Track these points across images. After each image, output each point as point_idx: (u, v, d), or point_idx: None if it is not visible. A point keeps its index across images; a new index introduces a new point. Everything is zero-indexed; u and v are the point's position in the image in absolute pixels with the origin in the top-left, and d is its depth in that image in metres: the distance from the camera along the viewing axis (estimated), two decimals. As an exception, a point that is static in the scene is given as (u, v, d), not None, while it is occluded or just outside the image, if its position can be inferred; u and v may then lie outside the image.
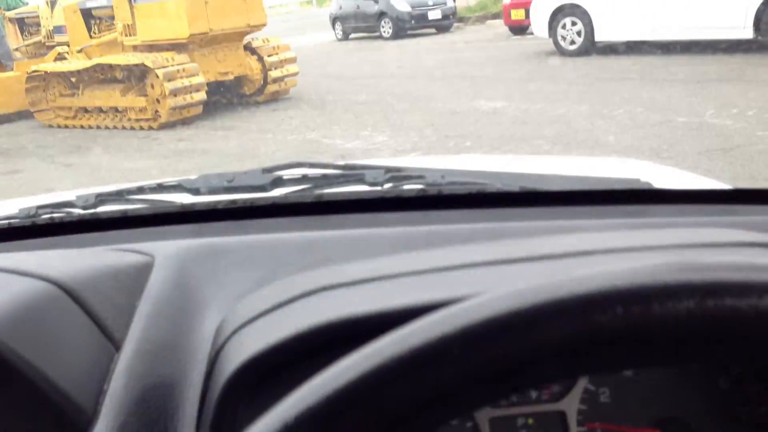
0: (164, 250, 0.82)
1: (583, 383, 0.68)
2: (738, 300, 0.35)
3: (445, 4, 17.00)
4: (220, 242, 0.86)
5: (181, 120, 8.53)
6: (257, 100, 9.51)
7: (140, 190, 1.04)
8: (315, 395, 0.39)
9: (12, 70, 10.03)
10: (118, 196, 1.03)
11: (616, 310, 0.36)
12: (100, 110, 9.00)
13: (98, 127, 8.94)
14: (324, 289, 0.60)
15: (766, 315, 0.35)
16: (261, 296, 0.65)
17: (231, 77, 9.25)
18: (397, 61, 12.33)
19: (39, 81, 9.34)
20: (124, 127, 8.74)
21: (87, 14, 9.56)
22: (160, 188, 1.04)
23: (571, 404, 0.67)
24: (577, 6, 10.48)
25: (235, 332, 0.61)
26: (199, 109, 8.70)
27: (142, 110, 8.61)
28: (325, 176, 1.04)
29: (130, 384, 0.64)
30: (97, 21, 9.61)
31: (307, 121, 8.20)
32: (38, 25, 10.59)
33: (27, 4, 12.67)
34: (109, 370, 0.65)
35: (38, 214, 0.97)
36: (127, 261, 0.79)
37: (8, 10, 11.44)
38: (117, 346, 0.68)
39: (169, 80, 8.25)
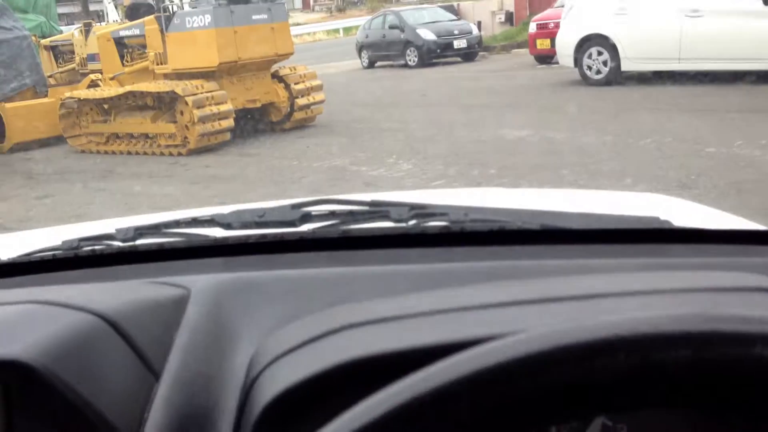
0: (199, 283, 0.86)
1: (600, 419, 0.69)
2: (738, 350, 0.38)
3: (470, 33, 17.15)
4: (251, 277, 0.90)
5: (209, 146, 8.67)
6: (284, 128, 9.64)
7: (176, 224, 1.08)
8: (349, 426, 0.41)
9: (46, 96, 10.29)
10: (155, 229, 1.07)
11: (618, 356, 0.40)
12: (131, 136, 9.19)
13: (129, 153, 9.12)
14: (351, 326, 0.63)
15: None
16: (290, 332, 0.68)
17: (258, 105, 9.40)
18: (422, 90, 12.44)
19: (72, 107, 9.57)
20: (153, 153, 8.90)
21: (120, 43, 9.80)
22: (195, 222, 1.08)
23: None
24: (604, 36, 10.52)
25: (267, 366, 0.64)
26: (227, 136, 8.84)
27: (171, 136, 8.77)
28: (351, 212, 1.07)
29: (169, 413, 0.67)
30: (130, 49, 9.85)
31: (332, 148, 8.28)
32: (72, 52, 10.87)
33: (62, 32, 13.04)
34: (149, 399, 0.69)
35: (80, 246, 1.02)
36: (165, 294, 0.83)
37: (43, 37, 11.77)
38: (156, 376, 0.72)
39: (198, 107, 8.41)
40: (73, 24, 15.05)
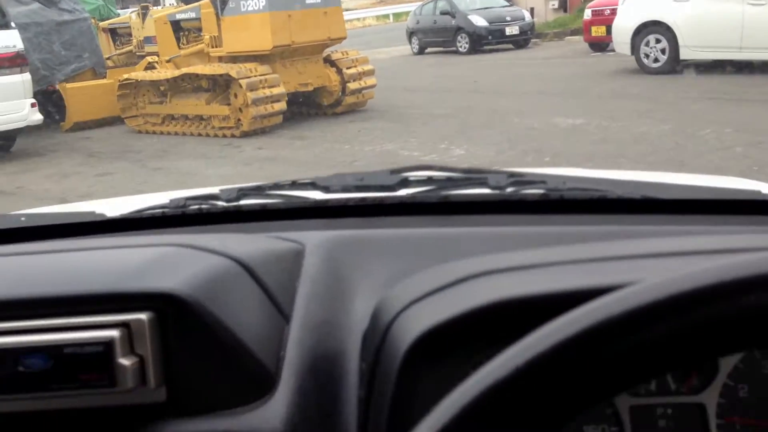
0: (312, 239, 0.89)
1: (722, 379, 0.70)
2: None
3: (523, 19, 16.92)
4: (361, 234, 0.92)
5: (262, 129, 8.77)
6: (335, 112, 9.69)
7: (276, 186, 1.11)
8: (514, 362, 0.43)
9: (105, 77, 10.53)
10: (257, 191, 1.11)
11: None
12: (186, 118, 9.35)
13: (184, 134, 9.29)
14: (490, 272, 0.65)
15: None
16: (422, 279, 0.70)
17: (310, 88, 9.46)
18: (473, 76, 12.34)
19: (130, 89, 9.78)
20: (207, 135, 9.05)
21: (176, 26, 9.96)
22: (295, 185, 1.11)
23: (710, 397, 0.69)
24: (662, 23, 10.27)
25: (404, 309, 0.66)
26: (280, 119, 8.93)
27: (225, 119, 8.90)
28: (449, 179, 1.08)
29: (303, 354, 0.71)
30: (186, 32, 10.01)
31: (383, 132, 8.30)
32: (130, 35, 11.09)
33: (119, 14, 13.30)
34: (282, 340, 0.72)
35: (187, 204, 1.06)
36: (283, 247, 0.86)
37: (102, 20, 12.03)
38: (287, 319, 0.76)
39: (252, 90, 8.51)
40: (129, 7, 15.33)
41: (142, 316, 0.69)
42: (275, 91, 8.72)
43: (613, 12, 11.52)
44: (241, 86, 8.52)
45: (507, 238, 0.90)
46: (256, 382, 0.70)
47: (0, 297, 0.71)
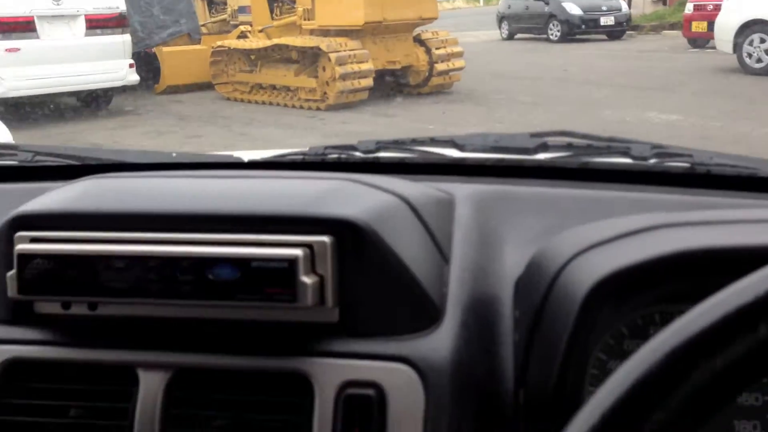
0: (461, 191, 0.90)
1: None
2: None
3: (619, 10, 16.41)
4: (507, 190, 0.93)
5: (347, 104, 8.83)
6: (420, 92, 9.66)
7: (414, 141, 1.12)
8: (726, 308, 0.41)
9: (199, 43, 10.80)
10: (396, 144, 1.12)
11: None
12: (274, 88, 9.50)
13: (270, 104, 9.45)
14: (669, 225, 0.64)
15: None
16: (591, 230, 0.70)
17: (398, 66, 9.46)
18: (563, 65, 12.07)
19: (222, 56, 10.01)
20: (293, 106, 9.18)
21: (270, -3, 10.12)
22: (432, 142, 1.12)
23: None
24: (769, 22, 9.80)
25: (577, 256, 0.66)
26: (365, 95, 8.97)
27: (311, 91, 9.00)
28: (590, 146, 1.07)
29: (464, 293, 0.73)
30: (279, 4, 10.15)
31: (468, 116, 8.23)
32: (224, 3, 11.32)
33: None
34: (443, 278, 0.74)
35: (326, 153, 1.08)
36: (436, 195, 0.87)
37: (199, -12, 12.32)
38: (446, 259, 0.77)
39: (340, 64, 8.57)
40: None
41: (326, 238, 0.71)
42: (363, 66, 8.75)
43: (717, 8, 11.05)
44: (330, 60, 8.59)
45: (654, 204, 0.89)
46: (423, 313, 0.73)
47: (194, 211, 0.75)
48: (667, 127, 7.15)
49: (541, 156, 1.06)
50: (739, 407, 0.69)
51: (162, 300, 0.71)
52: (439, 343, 0.70)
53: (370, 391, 0.69)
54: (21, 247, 0.73)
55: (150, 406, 0.72)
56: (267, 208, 0.75)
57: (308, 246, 0.71)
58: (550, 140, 1.09)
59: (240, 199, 0.78)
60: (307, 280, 0.69)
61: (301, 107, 9.08)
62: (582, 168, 1.03)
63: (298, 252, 0.69)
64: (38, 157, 1.24)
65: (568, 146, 1.08)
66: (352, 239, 0.72)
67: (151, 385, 0.72)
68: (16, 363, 0.76)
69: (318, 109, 8.89)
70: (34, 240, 0.74)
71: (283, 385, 0.72)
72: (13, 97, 8.36)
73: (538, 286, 0.71)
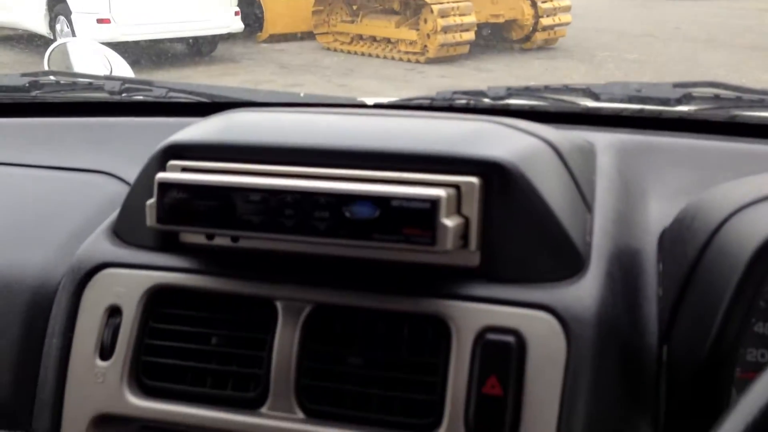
0: (601, 140, 0.87)
1: None
2: None
3: (740, -35, 15.31)
4: (650, 140, 0.89)
5: (447, 57, 8.70)
6: (523, 47, 9.39)
7: (547, 89, 1.09)
8: None
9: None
10: (527, 91, 1.09)
11: None
12: (374, 39, 9.46)
13: (369, 55, 9.42)
14: None
15: None
16: (757, 183, 0.66)
17: (501, 20, 9.21)
18: (677, 22, 11.42)
19: (324, 5, 10.02)
20: (393, 58, 9.12)
21: (375, -55, 9.99)
22: (566, 89, 1.08)
23: None
24: None
25: (740, 210, 0.63)
26: (466, 49, 8.80)
27: (412, 43, 8.90)
28: (740, 98, 1.01)
29: (608, 242, 0.71)
30: (383, -47, 10.03)
31: (572, 73, 7.95)
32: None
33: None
34: (587, 225, 0.72)
35: (453, 98, 1.06)
36: (577, 141, 0.84)
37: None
38: (589, 207, 0.76)
39: (443, 17, 8.43)
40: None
41: (473, 179, 0.70)
42: (466, 19, 8.58)
43: None
44: (432, 12, 8.46)
45: None
46: (567, 261, 0.71)
47: (336, 146, 0.75)
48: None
49: (685, 108, 1.01)
50: (750, 335, 0.66)
51: (297, 237, 0.70)
52: (584, 292, 0.68)
53: (510, 338, 0.67)
54: (161, 176, 0.74)
55: (288, 339, 0.73)
56: (411, 146, 0.73)
57: (455, 186, 0.69)
58: (696, 91, 1.03)
59: (381, 136, 0.77)
60: (448, 222, 0.66)
61: (401, 59, 9.00)
62: (730, 121, 0.97)
63: (441, 192, 0.67)
64: (171, 94, 1.28)
65: (715, 98, 1.02)
66: (500, 181, 0.70)
67: (289, 319, 0.74)
68: (161, 289, 0.78)
69: (417, 62, 8.79)
70: (185, 169, 0.77)
71: (420, 327, 0.72)
72: (123, 42, 8.69)
73: (692, 241, 0.67)
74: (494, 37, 9.50)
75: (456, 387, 0.68)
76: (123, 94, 1.32)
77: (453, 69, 8.42)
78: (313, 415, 0.72)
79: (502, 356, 0.67)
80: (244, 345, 0.75)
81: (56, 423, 0.77)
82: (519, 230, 0.71)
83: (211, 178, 0.73)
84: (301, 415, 0.72)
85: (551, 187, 0.73)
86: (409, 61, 8.89)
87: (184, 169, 0.77)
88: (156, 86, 1.32)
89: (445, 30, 8.46)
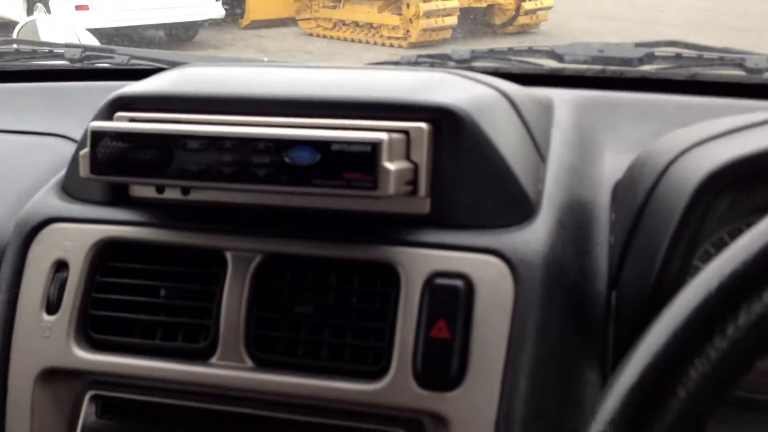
0: (560, 96, 0.87)
1: None
2: None
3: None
4: (609, 95, 0.89)
5: (429, 42, 8.68)
6: (505, 31, 9.39)
7: (511, 51, 1.09)
8: None
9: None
10: (491, 53, 1.09)
11: None
12: (356, 24, 9.42)
13: (352, 41, 9.39)
14: None
15: None
16: (706, 126, 0.66)
17: (484, 4, 9.20)
18: (659, 5, 11.44)
19: (306, -9, 9.97)
20: (375, 43, 9.10)
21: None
22: (530, 51, 1.08)
23: None
24: None
25: (687, 150, 0.62)
26: (448, 33, 8.79)
27: (394, 28, 8.88)
28: (701, 57, 1.01)
29: (560, 191, 0.71)
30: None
31: (555, 57, 7.95)
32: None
33: None
34: (539, 175, 0.72)
35: (419, 61, 1.06)
36: (535, 94, 0.84)
37: None
38: (543, 158, 0.76)
39: (425, 1, 8.41)
40: None
41: (423, 125, 0.69)
42: (448, 4, 8.57)
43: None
44: (414, -4, 8.44)
45: None
46: (519, 206, 0.71)
47: (282, 95, 0.74)
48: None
49: (647, 67, 1.01)
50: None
51: (236, 184, 0.68)
52: (532, 237, 0.68)
53: (458, 282, 0.67)
54: (94, 124, 0.72)
55: (237, 290, 0.73)
56: (359, 94, 0.73)
57: (404, 132, 0.69)
58: (658, 50, 1.03)
59: (330, 85, 0.76)
60: (390, 166, 0.64)
61: (383, 44, 8.98)
62: (691, 80, 0.97)
63: (383, 136, 0.65)
64: (133, 60, 1.26)
65: (677, 57, 1.02)
66: (450, 127, 0.69)
67: (239, 269, 0.73)
68: (109, 243, 0.78)
69: (400, 47, 8.76)
70: (132, 120, 0.75)
71: (370, 274, 0.71)
72: (100, 28, 8.59)
73: (640, 187, 0.67)
74: (477, 22, 9.48)
75: (404, 332, 0.68)
76: (84, 62, 1.30)
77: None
78: (263, 364, 0.72)
79: (450, 300, 0.67)
80: (193, 297, 0.75)
81: (2, 378, 0.76)
82: (469, 176, 0.70)
83: (145, 127, 0.71)
84: (250, 363, 0.72)
85: (503, 134, 0.72)
86: (391, 46, 8.86)
87: (132, 120, 0.76)
88: (118, 53, 1.30)
89: (428, 15, 8.44)
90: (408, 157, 0.69)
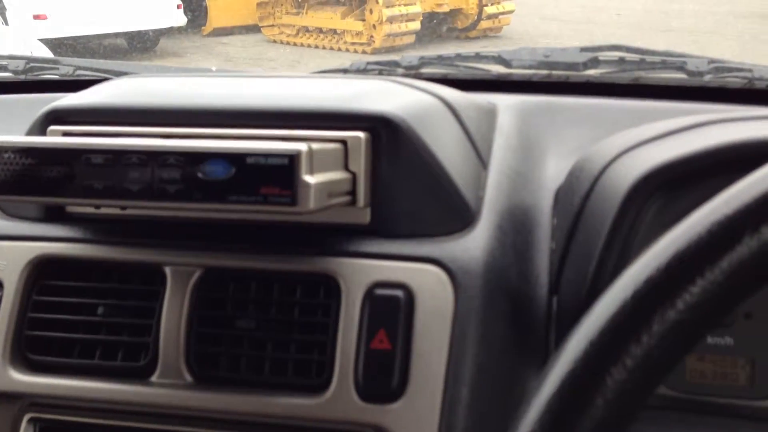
0: (504, 101, 0.87)
1: None
2: None
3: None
4: (552, 101, 0.89)
5: (393, 47, 8.69)
6: (468, 36, 9.44)
7: (459, 56, 1.09)
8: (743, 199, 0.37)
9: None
10: (440, 59, 1.09)
11: None
12: (320, 31, 9.40)
13: (316, 47, 9.37)
14: (712, 122, 0.60)
15: None
16: (635, 133, 0.67)
17: (446, 9, 9.25)
18: (617, 9, 11.63)
19: (269, -3, 9.93)
20: (339, 49, 9.09)
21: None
22: (478, 57, 1.08)
23: None
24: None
25: (621, 155, 0.63)
26: (412, 39, 8.81)
27: (358, 34, 8.88)
28: (643, 60, 1.02)
29: (501, 197, 0.71)
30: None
31: (517, 60, 8.03)
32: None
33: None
34: (480, 182, 0.71)
35: (368, 68, 1.06)
36: (479, 102, 0.84)
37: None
38: (484, 164, 0.76)
39: (388, 6, 8.43)
40: None
41: (360, 134, 0.68)
42: (411, 9, 8.59)
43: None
44: (377, 2, 8.45)
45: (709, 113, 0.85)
46: (458, 214, 0.70)
47: (205, 106, 0.73)
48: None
49: (591, 71, 1.02)
50: None
51: (144, 202, 0.63)
52: (472, 244, 0.68)
53: (399, 292, 0.67)
54: None
55: (177, 305, 0.71)
56: (296, 103, 0.72)
57: (342, 142, 0.68)
58: (602, 55, 1.04)
59: (270, 95, 0.75)
60: (309, 179, 0.60)
61: (347, 50, 8.97)
62: (634, 84, 0.98)
63: (301, 147, 0.61)
64: (79, 72, 1.24)
65: (620, 61, 1.03)
66: (388, 136, 0.69)
67: (178, 284, 0.72)
68: (45, 260, 0.76)
69: (364, 52, 8.76)
70: (66, 134, 0.74)
71: (312, 285, 0.70)
72: (59, 38, 8.45)
73: (578, 192, 0.68)
74: (440, 27, 9.54)
75: (345, 344, 0.67)
76: (28, 74, 1.27)
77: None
78: (205, 381, 0.70)
79: (390, 311, 0.66)
80: (132, 314, 0.73)
81: None
82: (408, 185, 0.70)
83: (45, 141, 0.67)
84: (191, 381, 0.70)
85: (442, 141, 0.72)
86: (355, 51, 8.86)
87: (65, 134, 0.74)
88: (63, 64, 1.28)
89: (391, 20, 8.46)
90: (346, 167, 0.69)
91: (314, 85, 0.79)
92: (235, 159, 0.61)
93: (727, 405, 0.67)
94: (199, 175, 0.61)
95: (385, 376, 0.65)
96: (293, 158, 0.60)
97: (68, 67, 1.26)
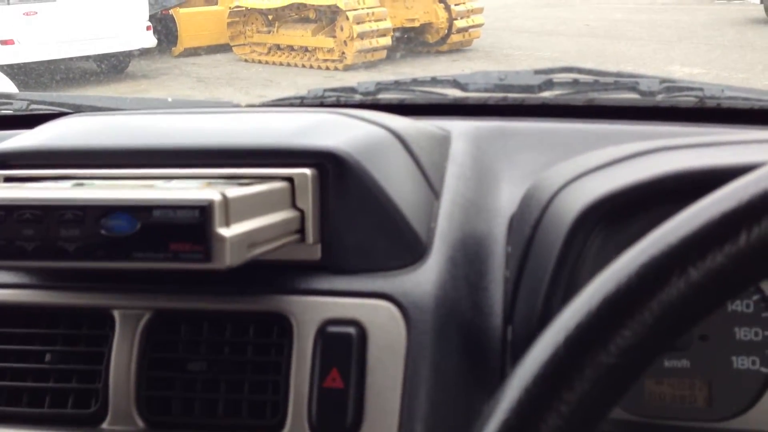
0: (458, 127, 0.87)
1: None
2: None
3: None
4: (506, 126, 0.90)
5: (365, 63, 8.73)
6: (439, 50, 9.52)
7: (415, 81, 1.09)
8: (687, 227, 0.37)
9: (216, 4, 10.70)
10: (396, 85, 1.09)
11: None
12: (291, 48, 9.41)
13: (288, 65, 9.37)
14: (663, 149, 0.60)
15: None
16: (582, 160, 0.67)
17: (417, 24, 9.32)
18: (585, 19, 11.80)
19: (240, 17, 9.90)
20: (311, 66, 9.09)
21: (287, -45, 9.95)
22: (434, 81, 1.08)
23: None
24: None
25: (568, 184, 0.63)
26: (383, 54, 8.85)
27: (329, 51, 8.90)
28: (597, 82, 1.03)
29: (453, 228, 0.70)
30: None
31: (489, 73, 8.09)
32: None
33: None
34: (432, 213, 0.71)
35: (325, 95, 1.05)
36: (431, 131, 0.84)
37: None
38: (436, 194, 0.75)
39: (358, 23, 8.46)
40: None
41: (307, 171, 0.67)
42: (381, 25, 8.64)
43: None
44: (347, 18, 8.48)
45: (660, 136, 0.85)
46: (409, 248, 0.70)
47: (148, 146, 0.72)
48: (689, 79, 6.98)
49: (546, 94, 1.02)
50: (738, 342, 0.66)
51: (42, 262, 0.58)
52: (423, 278, 0.68)
53: (351, 329, 0.66)
54: None
55: (126, 349, 0.70)
56: (243, 141, 0.71)
57: (289, 179, 0.68)
58: (556, 77, 1.05)
59: (217, 132, 0.74)
60: (225, 233, 0.55)
61: (319, 68, 8.98)
62: (588, 105, 0.99)
63: (214, 196, 0.55)
64: (33, 106, 1.22)
65: (574, 83, 1.04)
66: (335, 171, 0.68)
67: (127, 328, 0.70)
68: None
69: (336, 69, 8.79)
70: (7, 179, 0.72)
71: (264, 325, 0.69)
72: (29, 62, 8.36)
73: (528, 220, 0.67)
74: (411, 41, 9.59)
75: (298, 384, 0.66)
76: None
77: (371, 75, 8.45)
78: (157, 427, 0.69)
79: (342, 348, 0.66)
80: (81, 360, 0.71)
81: None
82: (358, 220, 0.69)
83: None
84: (143, 426, 0.69)
85: (392, 174, 0.72)
86: (327, 68, 8.88)
87: (6, 180, 0.72)
88: (17, 98, 1.26)
89: (362, 36, 8.49)
90: (294, 205, 0.68)
91: (262, 121, 0.78)
92: (141, 212, 0.56)
93: (686, 428, 0.67)
94: (102, 231, 0.56)
95: (339, 414, 0.65)
96: (205, 210, 0.55)
97: (22, 101, 1.24)
